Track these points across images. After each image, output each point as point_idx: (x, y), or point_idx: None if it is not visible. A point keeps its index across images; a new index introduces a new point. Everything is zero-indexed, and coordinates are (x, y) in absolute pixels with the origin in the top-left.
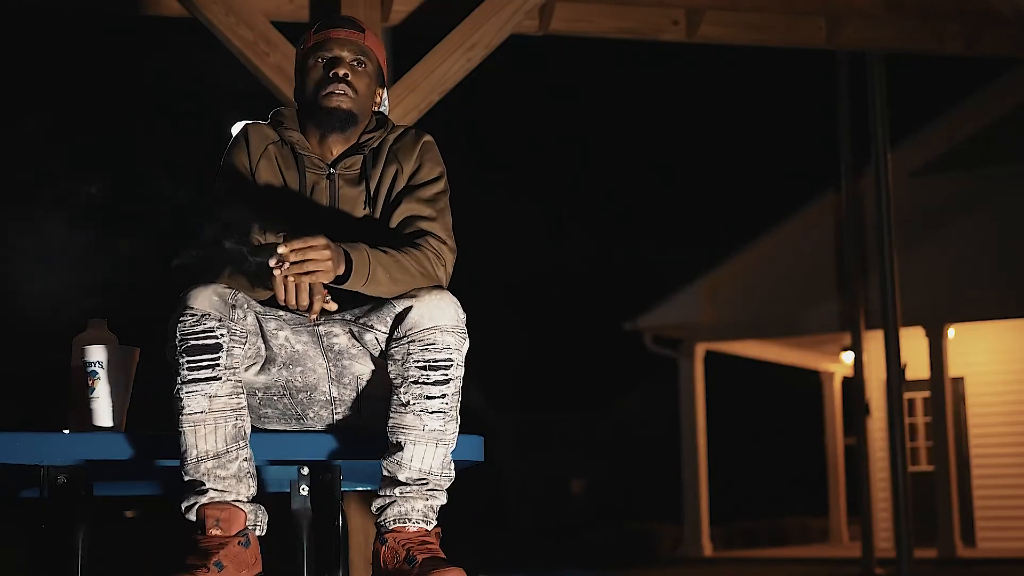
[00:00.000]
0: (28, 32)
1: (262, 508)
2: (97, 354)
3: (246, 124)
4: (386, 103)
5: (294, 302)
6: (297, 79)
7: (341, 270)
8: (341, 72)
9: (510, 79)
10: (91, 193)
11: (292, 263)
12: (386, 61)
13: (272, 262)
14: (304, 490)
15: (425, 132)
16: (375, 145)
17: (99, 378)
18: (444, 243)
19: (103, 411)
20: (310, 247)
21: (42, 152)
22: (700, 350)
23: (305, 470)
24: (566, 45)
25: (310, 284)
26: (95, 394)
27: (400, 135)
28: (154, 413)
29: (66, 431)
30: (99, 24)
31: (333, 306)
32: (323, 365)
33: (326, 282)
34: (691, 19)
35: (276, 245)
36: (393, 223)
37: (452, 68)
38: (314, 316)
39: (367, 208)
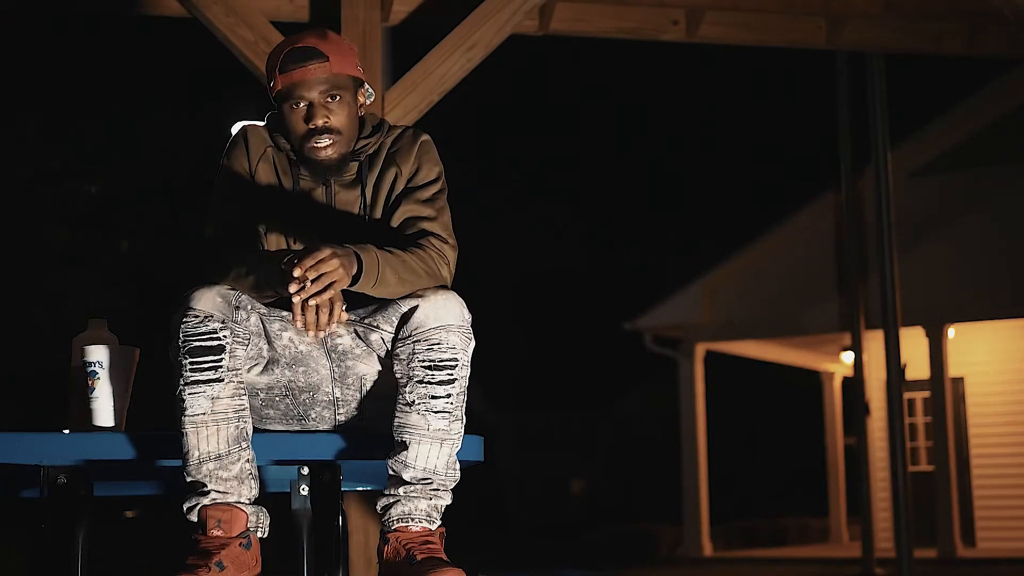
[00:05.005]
0: (28, 32)
1: (264, 510)
2: (97, 354)
3: (244, 126)
4: (371, 92)
5: (314, 323)
6: (279, 111)
7: (354, 270)
8: (319, 123)
9: (510, 79)
10: (91, 193)
11: (312, 281)
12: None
13: (292, 288)
14: (304, 490)
15: (422, 132)
16: (371, 151)
17: (99, 378)
18: (446, 242)
19: (103, 411)
20: (319, 261)
21: (42, 152)
22: (700, 350)
23: (305, 470)
24: (566, 45)
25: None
26: (95, 394)
27: (397, 137)
28: (154, 413)
29: (66, 431)
30: (98, 24)
31: (345, 316)
32: (327, 366)
33: (343, 288)
34: (691, 19)
35: (287, 271)
36: (393, 225)
37: (452, 68)
38: (333, 326)
39: (364, 212)
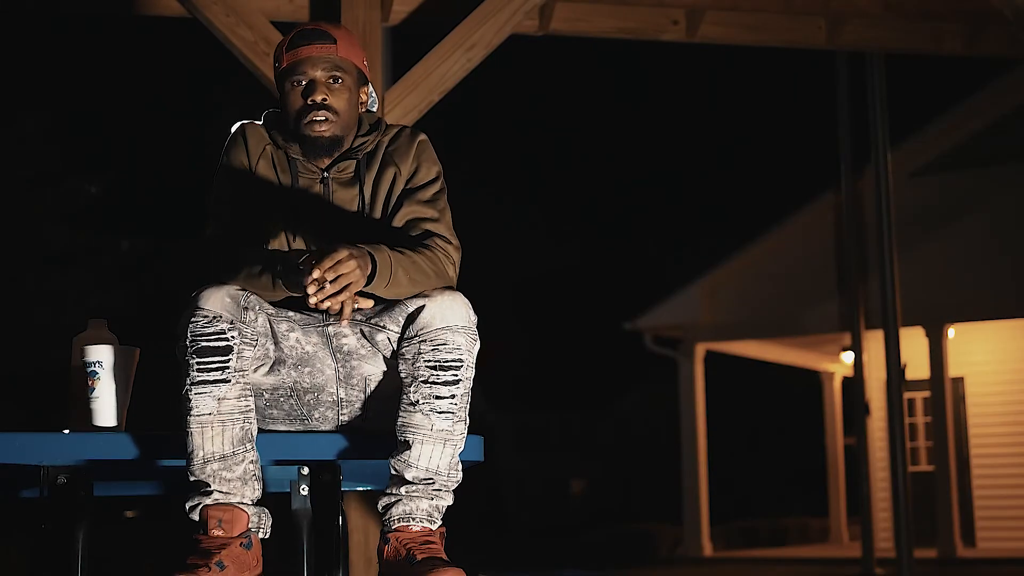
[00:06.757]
0: (28, 32)
1: (266, 511)
2: (97, 354)
3: (242, 124)
4: (374, 97)
5: (327, 308)
6: (279, 98)
7: (369, 270)
8: (318, 98)
9: (510, 79)
10: (91, 193)
11: (330, 282)
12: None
13: (311, 290)
14: (304, 490)
15: (419, 131)
16: (369, 149)
17: (99, 378)
18: (449, 242)
19: (103, 411)
20: (337, 262)
21: (42, 152)
22: (700, 350)
23: (305, 470)
24: (566, 45)
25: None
26: (95, 394)
27: (394, 136)
28: (154, 413)
29: (66, 431)
30: (98, 24)
31: (369, 303)
32: (332, 366)
33: (359, 289)
34: (691, 19)
35: (304, 271)
36: (397, 226)
37: (452, 68)
38: (346, 322)
39: (362, 210)
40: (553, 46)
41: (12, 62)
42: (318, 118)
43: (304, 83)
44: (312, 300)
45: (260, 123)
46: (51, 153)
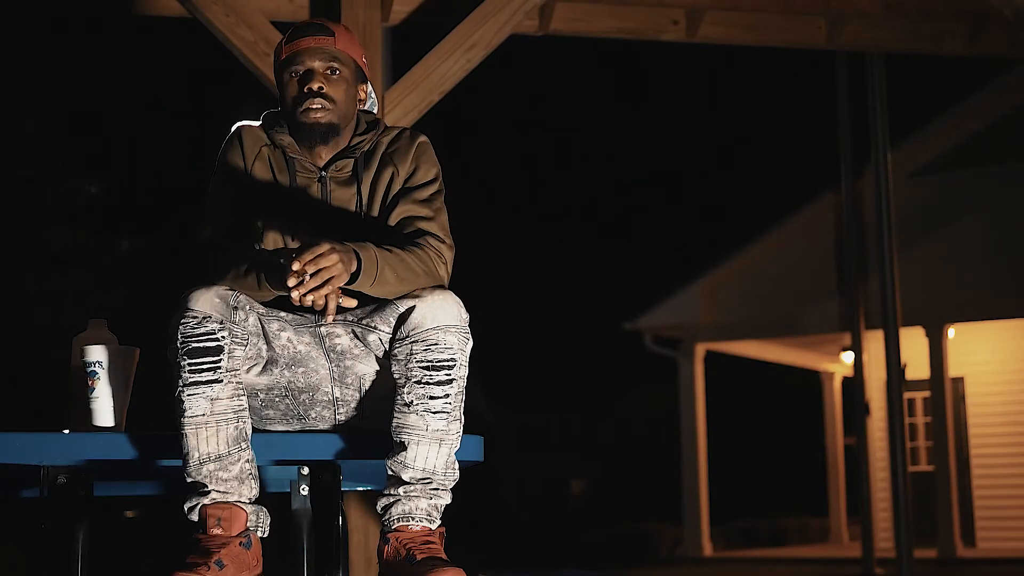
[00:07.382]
0: (28, 32)
1: (264, 510)
2: (97, 354)
3: (239, 125)
4: (372, 97)
5: (310, 304)
6: (278, 91)
7: (354, 267)
8: (315, 86)
9: (510, 79)
10: (91, 193)
11: (311, 275)
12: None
13: (291, 282)
14: (304, 490)
15: (420, 133)
16: (367, 148)
17: (99, 378)
18: (443, 242)
19: (103, 411)
20: (318, 255)
21: (42, 152)
22: (700, 350)
23: (305, 470)
24: (566, 45)
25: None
26: (95, 394)
27: (394, 137)
28: (154, 413)
29: (66, 431)
30: (98, 24)
31: (352, 302)
32: (325, 366)
33: (342, 284)
34: (691, 19)
35: (287, 267)
36: (391, 224)
37: (452, 68)
38: (331, 318)
39: (360, 210)
40: (553, 46)
41: (12, 62)
42: (314, 106)
43: (302, 72)
44: (294, 295)
45: (258, 124)
46: (51, 153)
